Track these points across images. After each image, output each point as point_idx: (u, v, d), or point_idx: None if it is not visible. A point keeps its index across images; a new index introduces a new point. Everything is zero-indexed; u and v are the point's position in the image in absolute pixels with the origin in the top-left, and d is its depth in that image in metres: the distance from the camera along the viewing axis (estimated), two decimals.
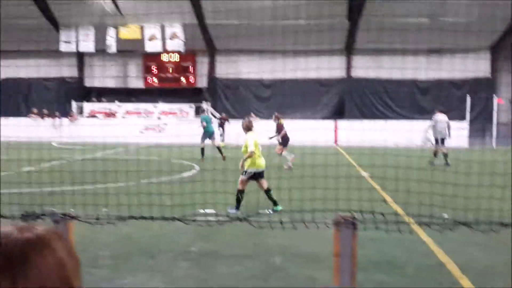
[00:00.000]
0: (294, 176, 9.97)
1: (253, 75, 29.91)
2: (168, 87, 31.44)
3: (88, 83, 32.78)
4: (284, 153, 15.44)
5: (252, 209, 8.02)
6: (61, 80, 32.46)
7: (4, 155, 12.13)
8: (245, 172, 8.34)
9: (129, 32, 28.48)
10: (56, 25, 28.81)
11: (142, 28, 28.50)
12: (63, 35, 28.65)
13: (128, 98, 31.57)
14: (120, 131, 23.11)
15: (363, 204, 5.65)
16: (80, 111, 30.93)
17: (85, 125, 26.70)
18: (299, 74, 27.89)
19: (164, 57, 31.18)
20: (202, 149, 17.16)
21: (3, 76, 30.65)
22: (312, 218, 3.98)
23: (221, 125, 26.01)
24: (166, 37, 28.52)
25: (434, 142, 16.84)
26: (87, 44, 28.48)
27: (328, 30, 23.44)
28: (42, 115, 29.16)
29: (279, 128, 15.80)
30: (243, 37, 25.03)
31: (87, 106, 30.90)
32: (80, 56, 31.85)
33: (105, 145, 21.17)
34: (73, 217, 3.30)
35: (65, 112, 29.99)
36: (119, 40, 28.48)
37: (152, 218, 3.67)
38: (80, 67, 32.50)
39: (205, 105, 27.98)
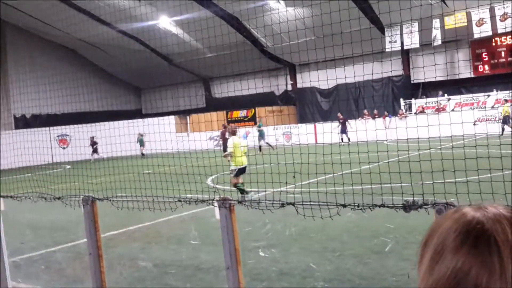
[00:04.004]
0: None
1: None
2: (502, 73, 28.71)
3: (414, 79, 32.74)
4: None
5: None
6: (388, 80, 33.35)
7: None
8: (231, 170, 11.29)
9: (455, 20, 27.21)
10: (380, 26, 29.74)
11: (468, 14, 26.85)
12: (388, 34, 29.37)
13: (457, 90, 30.18)
14: (451, 125, 22.21)
15: None
16: (409, 108, 31.11)
17: (414, 121, 26.66)
18: None
19: (495, 41, 28.62)
20: None
21: (336, 82, 33.39)
22: None
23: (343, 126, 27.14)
24: (497, 19, 26.12)
25: None
26: (412, 40, 28.48)
27: None
28: (373, 116, 30.48)
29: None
30: None
31: (415, 103, 30.88)
32: (405, 53, 32.09)
33: (439, 140, 20.59)
34: (453, 206, 3.10)
35: (394, 111, 30.63)
36: (444, 31, 27.52)
37: None
38: (406, 64, 32.74)
39: None
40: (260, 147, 27.25)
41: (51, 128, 35.19)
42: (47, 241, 8.91)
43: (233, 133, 11.98)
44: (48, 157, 31.13)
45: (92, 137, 30.91)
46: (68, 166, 28.48)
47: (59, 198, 4.31)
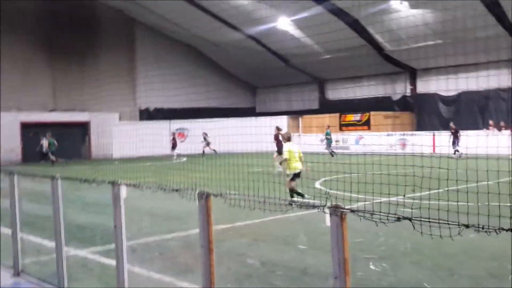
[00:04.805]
0: None
1: None
2: None
3: None
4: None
5: None
6: None
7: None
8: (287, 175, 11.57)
9: None
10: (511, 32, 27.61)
11: None
12: None
13: None
14: None
15: None
16: None
17: None
18: None
19: None
20: None
21: (461, 89, 31.64)
22: None
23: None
24: None
25: None
26: None
27: None
28: (499, 127, 28.35)
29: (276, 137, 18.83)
30: None
31: None
32: None
33: None
34: None
35: None
36: None
37: None
38: None
39: None
40: (331, 153, 27.65)
41: (171, 121, 37.19)
42: (162, 228, 9.41)
43: (288, 139, 12.07)
44: (166, 149, 32.95)
45: (173, 133, 32.59)
46: (184, 159, 29.92)
47: (177, 191, 4.49)
